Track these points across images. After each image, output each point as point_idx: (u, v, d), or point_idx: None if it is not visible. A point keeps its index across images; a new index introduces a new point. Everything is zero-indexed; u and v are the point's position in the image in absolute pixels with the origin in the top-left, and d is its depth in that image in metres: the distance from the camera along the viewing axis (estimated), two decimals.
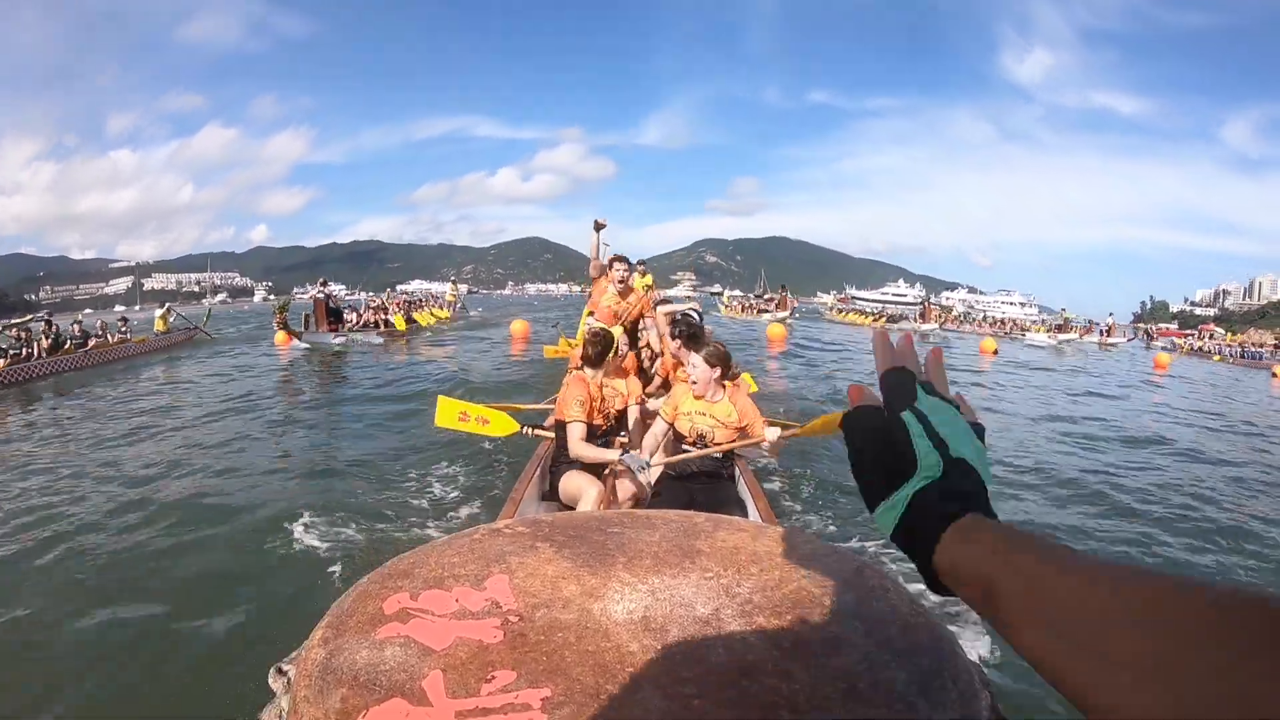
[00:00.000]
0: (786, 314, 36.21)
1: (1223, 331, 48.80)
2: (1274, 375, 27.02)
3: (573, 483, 3.77)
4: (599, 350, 3.92)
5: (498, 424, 4.37)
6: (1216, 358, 34.37)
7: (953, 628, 3.79)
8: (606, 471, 3.72)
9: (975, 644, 3.68)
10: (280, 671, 1.32)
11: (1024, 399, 13.02)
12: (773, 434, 3.71)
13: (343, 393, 10.74)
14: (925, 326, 36.05)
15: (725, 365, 3.84)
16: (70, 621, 3.60)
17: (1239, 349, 35.38)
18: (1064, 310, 42.67)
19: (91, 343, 16.40)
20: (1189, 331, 41.41)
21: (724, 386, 3.82)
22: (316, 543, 4.57)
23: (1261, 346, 37.51)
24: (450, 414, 4.32)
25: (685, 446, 3.83)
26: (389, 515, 5.12)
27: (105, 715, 2.93)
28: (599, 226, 5.44)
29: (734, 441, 3.78)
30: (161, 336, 20.92)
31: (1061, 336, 35.90)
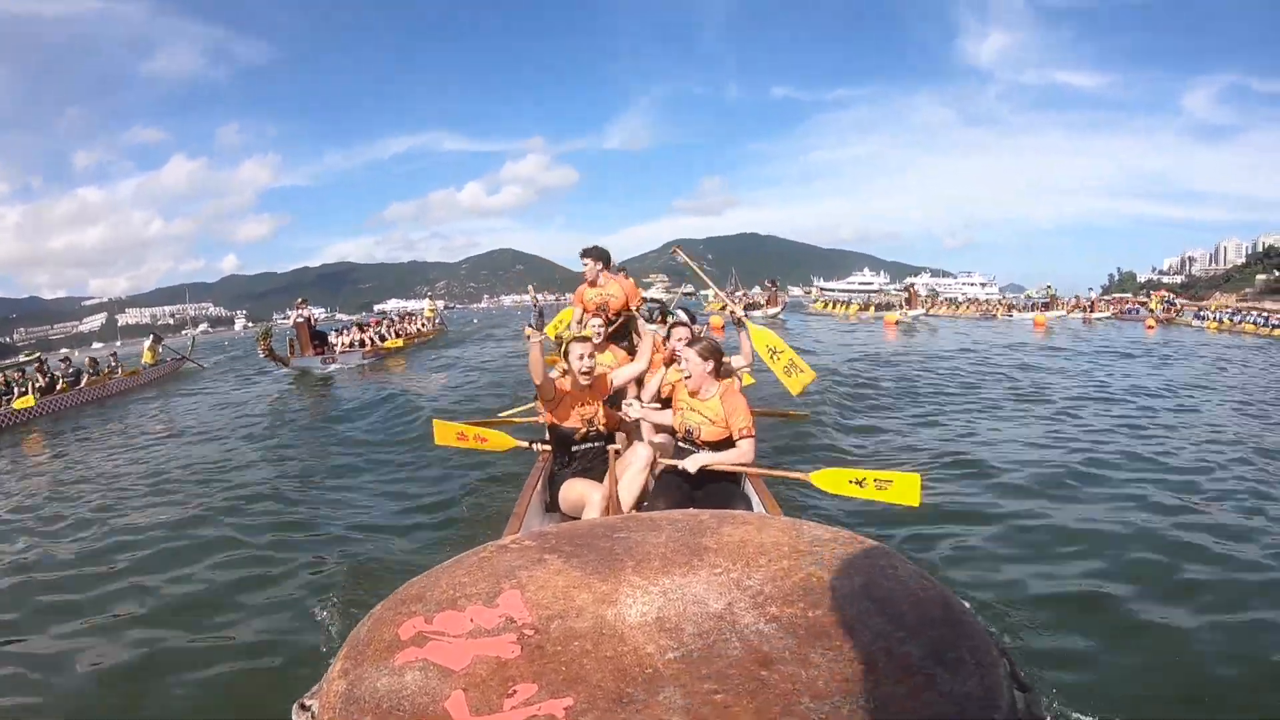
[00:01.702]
0: (778, 310, 35.31)
1: (1170, 295, 47.85)
2: (1148, 327, 27.88)
3: (574, 491, 3.72)
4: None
5: (496, 441, 4.34)
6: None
7: (964, 597, 3.81)
8: (608, 477, 3.69)
9: (989, 611, 3.69)
10: (303, 707, 1.33)
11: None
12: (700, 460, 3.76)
13: (337, 417, 10.62)
14: (912, 313, 34.87)
15: (718, 360, 3.85)
16: (72, 663, 3.57)
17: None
18: (1050, 287, 40.85)
19: (84, 380, 16.26)
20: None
21: (717, 383, 3.82)
22: (325, 572, 4.54)
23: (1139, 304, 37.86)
24: (448, 434, 4.30)
25: (679, 444, 3.82)
26: (395, 539, 5.10)
27: None
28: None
29: (720, 441, 3.76)
30: (151, 369, 20.46)
31: (1050, 314, 33.88)
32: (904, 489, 3.60)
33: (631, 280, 5.46)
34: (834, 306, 44.46)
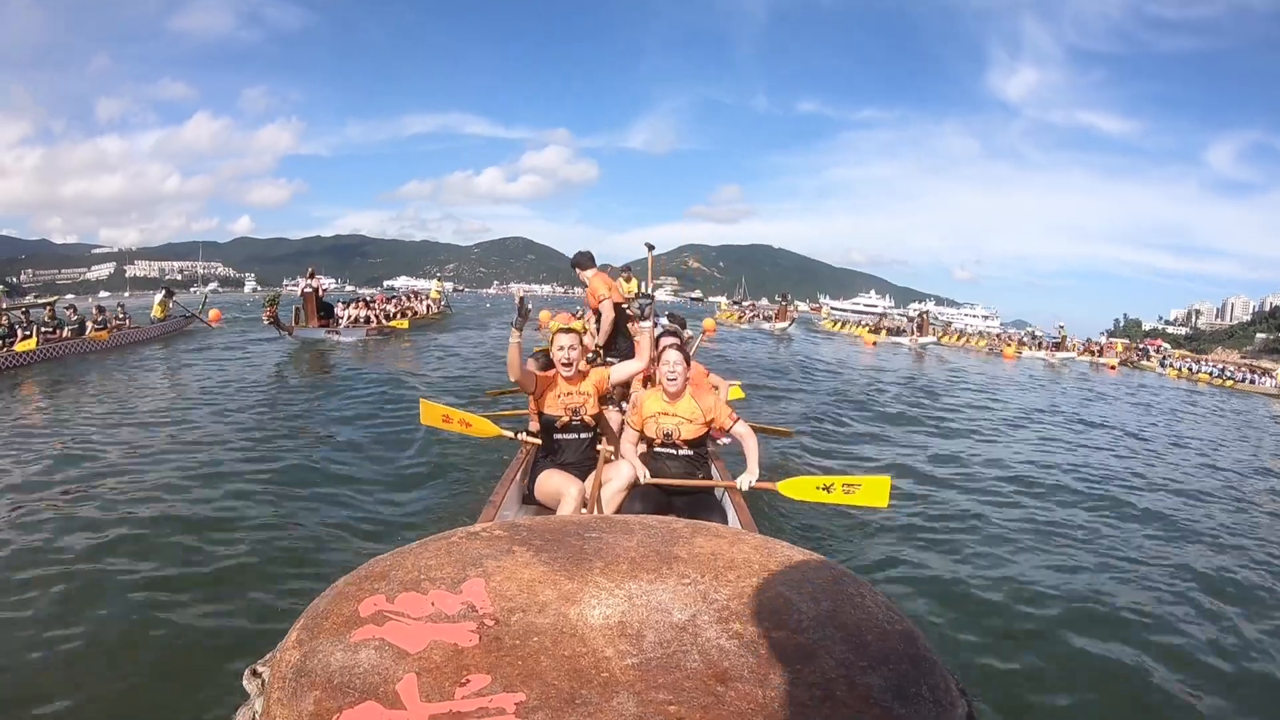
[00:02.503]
0: (786, 324, 34.84)
1: (1168, 345, 48.37)
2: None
3: (551, 484, 3.69)
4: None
5: (479, 427, 4.33)
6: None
7: (930, 635, 3.82)
8: (592, 476, 3.68)
9: (953, 651, 3.69)
10: (255, 673, 1.31)
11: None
12: (746, 481, 3.67)
13: (330, 391, 10.56)
14: (923, 340, 34.42)
15: (689, 357, 3.90)
16: (38, 622, 3.53)
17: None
18: (1062, 328, 39.47)
19: (89, 328, 16.09)
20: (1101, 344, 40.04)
21: (685, 382, 3.81)
22: (292, 539, 4.50)
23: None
24: (434, 415, 4.28)
25: (656, 449, 3.79)
26: (367, 515, 5.07)
27: (71, 715, 2.89)
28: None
29: (701, 438, 3.78)
30: (159, 324, 20.23)
31: (1060, 355, 34.09)
32: (872, 491, 3.60)
33: (635, 283, 5.42)
34: (842, 326, 43.78)
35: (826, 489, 3.63)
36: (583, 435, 3.85)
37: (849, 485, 3.59)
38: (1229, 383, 32.22)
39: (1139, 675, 3.61)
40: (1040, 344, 37.99)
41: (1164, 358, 38.68)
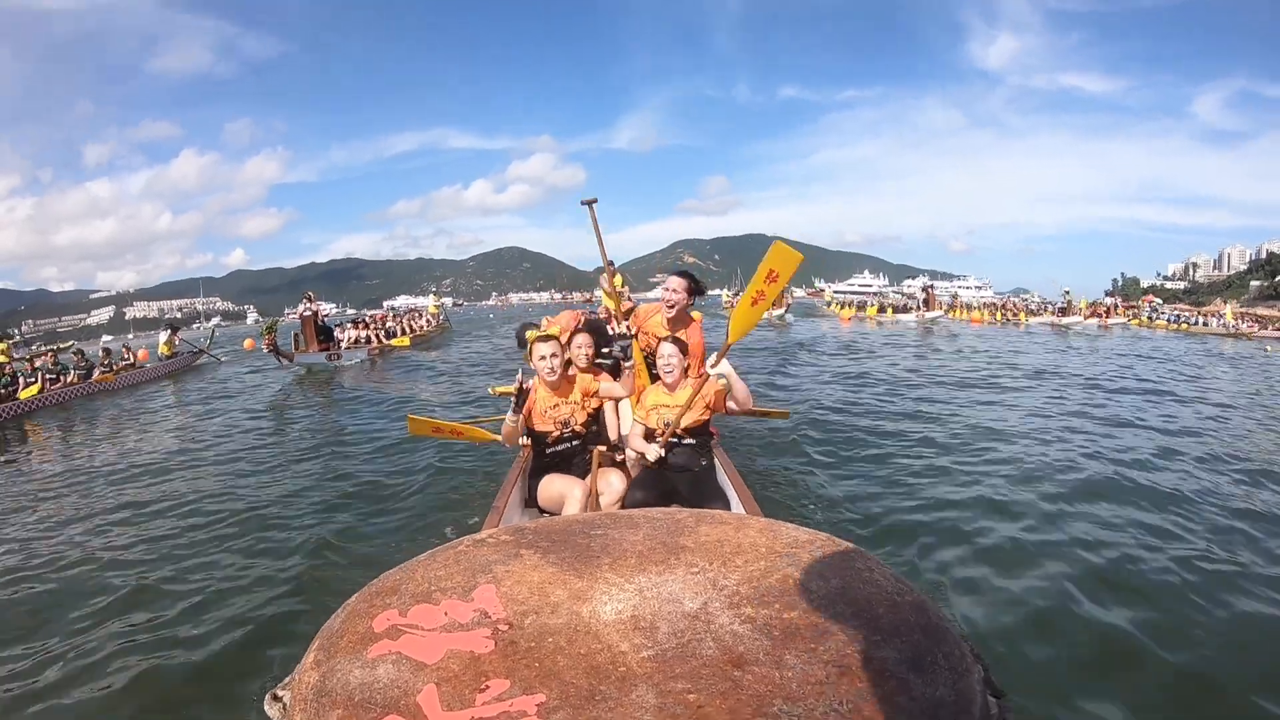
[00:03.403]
0: (782, 310, 34.65)
1: (1159, 301, 48.57)
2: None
3: (553, 488, 3.68)
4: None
5: (470, 435, 4.33)
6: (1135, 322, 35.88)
7: (941, 602, 3.84)
8: (590, 473, 3.68)
9: (967, 617, 3.70)
10: (275, 697, 1.32)
11: None
12: (721, 368, 3.59)
13: (331, 414, 10.57)
14: (931, 314, 34.26)
15: (683, 349, 3.91)
16: (51, 659, 3.52)
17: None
18: (1067, 292, 39.03)
19: (95, 372, 16.20)
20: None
21: (685, 374, 3.84)
22: (298, 562, 4.51)
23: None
24: (423, 427, 4.27)
25: (658, 438, 3.81)
26: (372, 531, 5.07)
27: None
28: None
29: (701, 425, 3.80)
30: (167, 361, 20.45)
31: (1067, 320, 33.79)
32: None
33: (620, 279, 5.13)
34: (843, 308, 43.23)
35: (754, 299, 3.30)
36: (575, 444, 3.85)
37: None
38: (1183, 326, 34.10)
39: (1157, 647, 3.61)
40: (1046, 309, 37.77)
41: (1156, 313, 38.92)
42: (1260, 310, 34.73)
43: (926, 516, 5.27)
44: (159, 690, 3.23)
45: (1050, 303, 39.86)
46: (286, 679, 1.34)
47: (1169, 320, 36.00)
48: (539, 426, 3.78)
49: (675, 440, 3.78)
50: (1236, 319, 34.56)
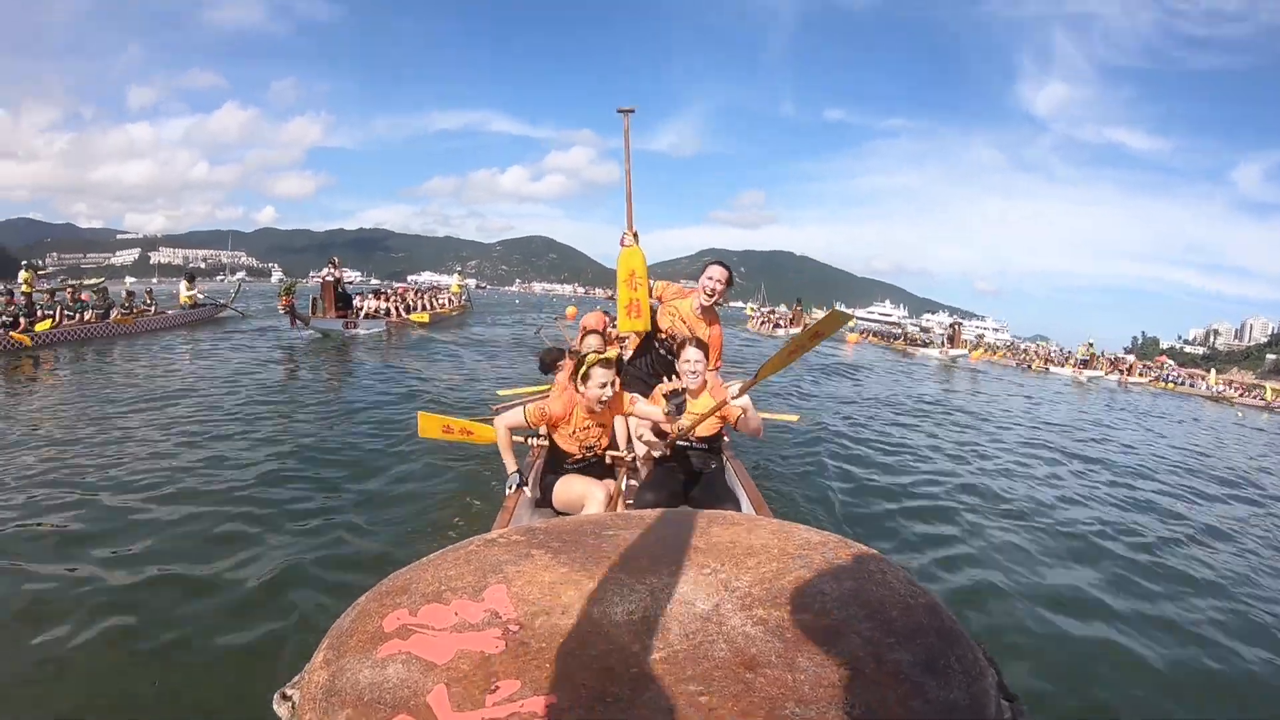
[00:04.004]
0: (798, 331, 32.76)
1: (1172, 362, 48.70)
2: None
3: (573, 489, 3.55)
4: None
5: (481, 434, 4.32)
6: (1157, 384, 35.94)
7: (953, 606, 3.82)
8: (610, 477, 3.66)
9: (978, 621, 3.70)
10: (285, 696, 1.32)
11: None
12: (741, 400, 3.51)
13: (345, 391, 10.47)
14: (954, 352, 33.16)
15: (708, 356, 3.90)
16: (51, 658, 3.51)
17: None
18: (1090, 345, 38.57)
19: (114, 313, 16.51)
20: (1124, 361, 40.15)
21: (705, 380, 3.85)
22: (310, 559, 4.51)
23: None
24: (433, 426, 4.25)
25: (685, 442, 3.81)
26: (381, 529, 5.06)
27: None
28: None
29: (715, 435, 3.78)
30: (188, 311, 20.28)
31: (1087, 373, 33.18)
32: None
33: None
34: (850, 332, 41.97)
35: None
36: (593, 460, 3.81)
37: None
38: (1169, 385, 35.13)
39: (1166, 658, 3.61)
40: (1069, 360, 37.33)
41: (1167, 374, 39.18)
42: (1270, 383, 35.45)
43: (939, 520, 5.27)
44: (162, 686, 3.23)
45: (1070, 353, 39.58)
46: (295, 678, 1.34)
47: (1158, 378, 36.83)
48: (565, 446, 3.71)
49: (688, 444, 3.78)
50: (1220, 384, 36.41)
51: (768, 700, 1.15)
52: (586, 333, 5.01)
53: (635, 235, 4.63)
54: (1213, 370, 43.64)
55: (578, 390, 3.61)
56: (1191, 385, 35.82)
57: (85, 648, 3.54)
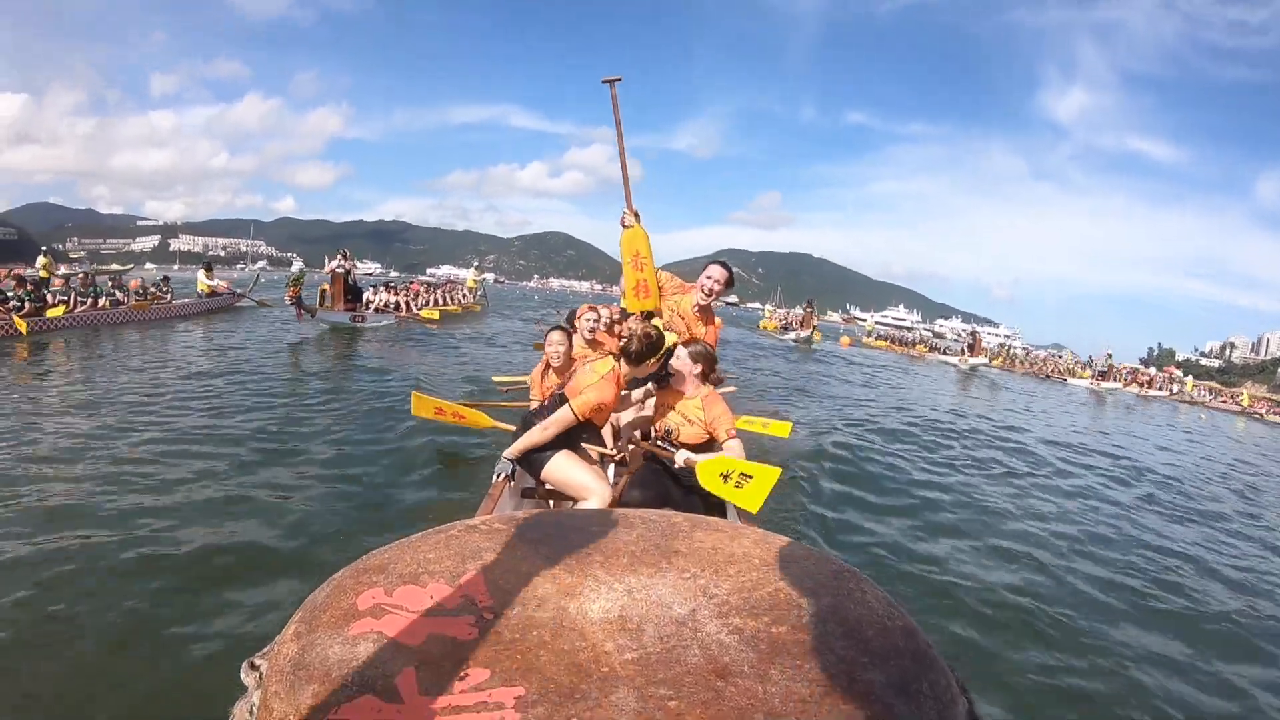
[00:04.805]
0: (807, 334, 32.85)
1: (1180, 373, 49.24)
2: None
3: (576, 477, 3.46)
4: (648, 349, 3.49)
5: (473, 419, 4.32)
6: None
7: (930, 632, 3.81)
8: (614, 465, 3.61)
9: (953, 648, 3.70)
10: (253, 666, 1.31)
11: None
12: (682, 456, 3.57)
13: (341, 378, 10.53)
14: (974, 360, 32.57)
15: (708, 365, 3.85)
16: (27, 619, 3.50)
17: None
18: (1109, 355, 37.95)
19: (131, 299, 16.45)
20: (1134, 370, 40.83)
21: (702, 387, 3.83)
22: (287, 533, 4.49)
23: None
24: (426, 407, 4.25)
25: (658, 442, 3.79)
26: (364, 508, 5.05)
27: (68, 708, 2.88)
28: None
29: (698, 444, 3.74)
30: (205, 299, 20.28)
31: (1105, 385, 32.94)
32: (753, 492, 3.32)
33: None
34: (841, 335, 42.15)
35: (724, 476, 3.39)
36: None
37: (742, 475, 3.34)
38: (1145, 391, 35.82)
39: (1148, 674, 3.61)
40: (1087, 370, 37.75)
41: (1175, 385, 40.68)
42: (1218, 386, 37.05)
43: (921, 541, 5.27)
44: (134, 653, 3.22)
45: (1086, 364, 39.66)
46: (265, 648, 1.33)
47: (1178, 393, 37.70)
48: (592, 434, 3.68)
49: (671, 448, 3.76)
50: (1194, 389, 38.35)
51: (737, 710, 1.15)
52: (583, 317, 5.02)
53: (636, 215, 4.52)
54: (1189, 378, 45.43)
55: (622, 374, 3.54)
56: (1170, 391, 36.95)
57: (78, 619, 3.54)
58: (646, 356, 3.49)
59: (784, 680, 1.22)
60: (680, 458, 3.55)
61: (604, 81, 4.76)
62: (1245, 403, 36.72)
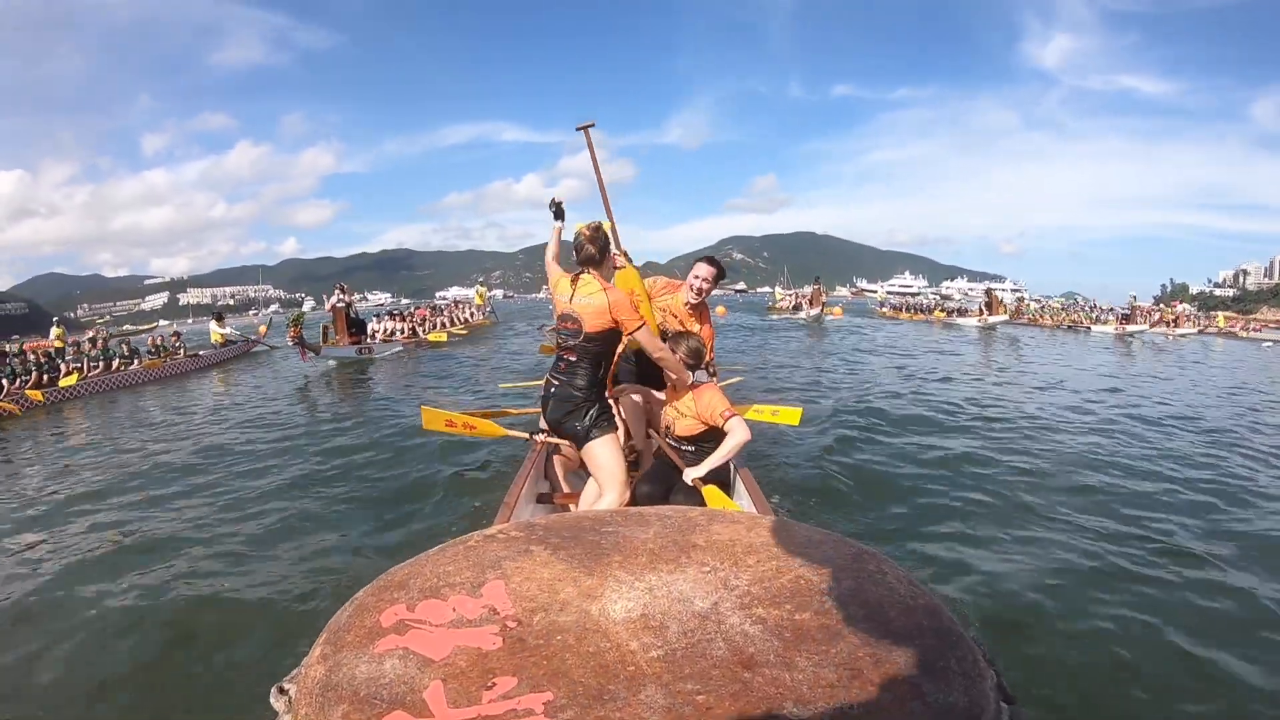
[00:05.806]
0: (817, 311, 32.17)
1: (1188, 306, 48.95)
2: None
3: (614, 465, 3.35)
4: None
5: (484, 429, 4.31)
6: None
7: (953, 606, 3.80)
8: (635, 482, 3.58)
9: (978, 622, 3.67)
10: (282, 690, 1.32)
11: None
12: (695, 472, 3.55)
13: (352, 403, 10.59)
14: (993, 319, 32.29)
15: (697, 360, 3.85)
16: (60, 654, 3.54)
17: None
18: (1133, 298, 36.08)
19: (144, 359, 16.45)
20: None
21: (691, 379, 3.84)
22: (308, 556, 4.52)
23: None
24: (436, 420, 4.25)
25: (668, 439, 3.80)
26: (381, 526, 5.07)
27: None
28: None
29: (695, 435, 3.73)
30: (220, 349, 20.21)
31: (1130, 328, 31.41)
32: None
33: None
34: (839, 308, 41.56)
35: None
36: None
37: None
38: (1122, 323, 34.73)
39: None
40: (1111, 315, 36.67)
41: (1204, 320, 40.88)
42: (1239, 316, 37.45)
43: (940, 520, 5.22)
44: (164, 682, 3.25)
45: (1103, 309, 39.07)
46: (293, 672, 1.34)
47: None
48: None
49: (674, 443, 3.77)
50: (1225, 322, 39.40)
51: (765, 700, 1.15)
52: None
53: (625, 255, 4.57)
54: (1181, 305, 45.04)
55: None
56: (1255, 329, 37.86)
57: (91, 644, 3.58)
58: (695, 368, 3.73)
59: (810, 667, 1.22)
60: (688, 477, 3.55)
61: (578, 129, 4.92)
62: None
